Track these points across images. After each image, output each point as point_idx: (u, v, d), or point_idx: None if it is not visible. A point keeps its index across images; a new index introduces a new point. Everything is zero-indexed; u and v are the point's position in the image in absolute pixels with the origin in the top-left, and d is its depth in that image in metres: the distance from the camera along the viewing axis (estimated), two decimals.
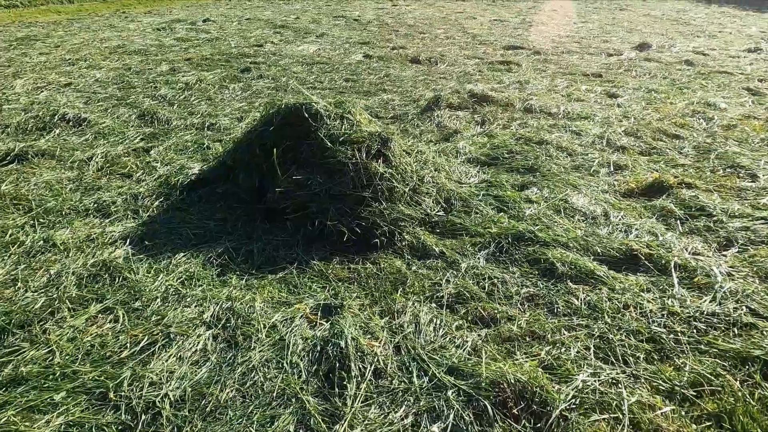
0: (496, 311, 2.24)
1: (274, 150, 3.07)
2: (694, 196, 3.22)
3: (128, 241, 2.82)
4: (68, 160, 4.24)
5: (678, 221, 3.01)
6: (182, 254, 2.72)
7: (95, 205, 3.31)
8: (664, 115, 5.23)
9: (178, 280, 2.46)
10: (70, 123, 5.22)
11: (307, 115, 3.24)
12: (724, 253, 2.68)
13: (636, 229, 2.87)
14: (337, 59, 8.82)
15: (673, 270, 2.45)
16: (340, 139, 3.10)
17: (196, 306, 2.25)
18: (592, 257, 2.62)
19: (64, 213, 3.20)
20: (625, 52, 9.59)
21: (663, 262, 2.53)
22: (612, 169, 3.79)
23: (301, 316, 2.19)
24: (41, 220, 3.11)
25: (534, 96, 5.99)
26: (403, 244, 2.80)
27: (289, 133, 3.26)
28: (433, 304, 2.28)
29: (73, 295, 2.29)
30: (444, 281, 2.45)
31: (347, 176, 2.93)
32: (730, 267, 2.51)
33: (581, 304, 2.26)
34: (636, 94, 6.29)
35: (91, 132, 4.97)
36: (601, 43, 10.82)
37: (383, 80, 7.26)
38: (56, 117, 5.26)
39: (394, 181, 2.98)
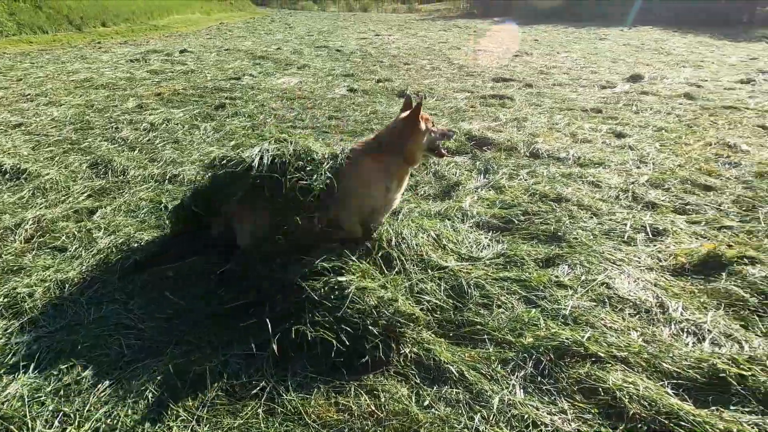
0: None
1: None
2: (765, 277, 2.59)
3: (33, 365, 2.07)
4: None
5: (756, 316, 2.37)
6: (106, 383, 1.97)
7: (6, 300, 2.54)
8: (686, 160, 4.68)
9: None
10: (7, 176, 4.46)
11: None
12: None
13: (709, 331, 2.22)
14: (319, 93, 8.24)
15: None
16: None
17: None
18: (665, 381, 1.95)
19: None
20: (619, 84, 9.22)
21: (763, 390, 1.88)
22: (650, 234, 3.17)
23: None
24: None
25: (538, 137, 5.41)
26: (408, 359, 2.10)
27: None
28: None
29: None
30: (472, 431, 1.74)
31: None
32: None
33: None
34: (645, 133, 5.78)
35: (29, 187, 4.21)
36: (590, 74, 10.48)
37: (370, 117, 6.66)
38: None
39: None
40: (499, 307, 2.42)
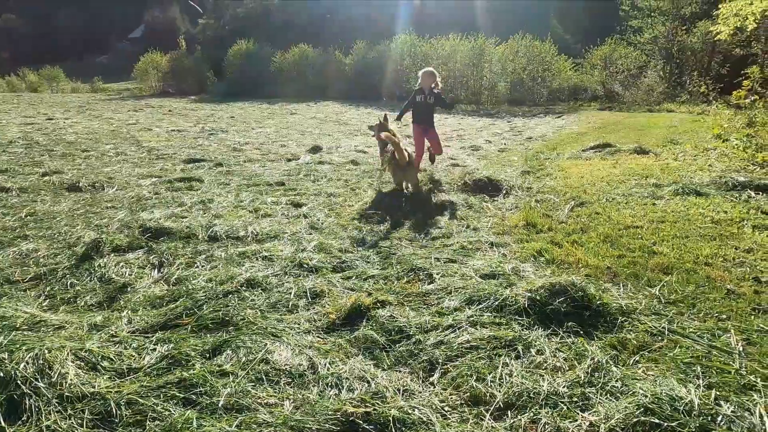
0: None
1: None
2: (390, 316, 3.17)
3: None
4: None
5: (384, 352, 2.86)
6: None
7: None
8: (347, 221, 5.48)
9: None
10: None
11: None
12: (431, 380, 2.60)
13: (346, 379, 2.56)
14: None
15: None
16: None
17: None
18: None
19: None
20: (302, 156, 10.25)
21: (383, 420, 2.25)
22: (310, 298, 3.54)
23: None
24: None
25: (219, 218, 5.53)
26: None
27: None
28: None
29: None
30: None
31: None
32: (441, 402, 2.40)
33: None
34: (318, 201, 6.53)
35: None
36: (279, 148, 11.40)
37: (25, 221, 5.65)
38: None
39: None
40: (154, 419, 2.28)
